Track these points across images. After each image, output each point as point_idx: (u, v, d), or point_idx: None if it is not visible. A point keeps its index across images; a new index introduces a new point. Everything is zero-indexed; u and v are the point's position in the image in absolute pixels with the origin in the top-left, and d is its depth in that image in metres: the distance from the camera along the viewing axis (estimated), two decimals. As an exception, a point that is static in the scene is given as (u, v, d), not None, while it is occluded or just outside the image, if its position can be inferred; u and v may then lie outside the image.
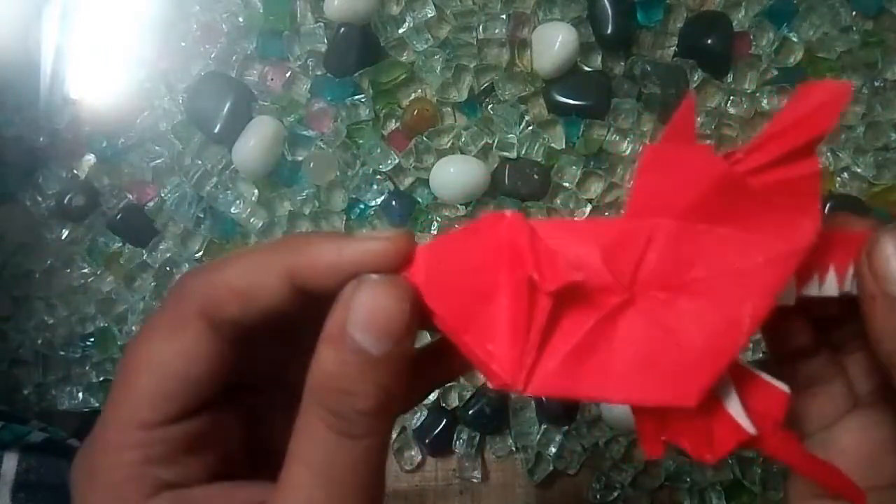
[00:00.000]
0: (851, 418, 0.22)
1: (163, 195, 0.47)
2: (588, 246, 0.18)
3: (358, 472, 0.19)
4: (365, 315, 0.18)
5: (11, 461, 0.38)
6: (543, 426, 0.45)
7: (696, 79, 0.47)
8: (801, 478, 0.22)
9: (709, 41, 0.47)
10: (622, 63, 0.48)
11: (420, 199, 0.46)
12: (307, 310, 0.20)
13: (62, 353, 0.47)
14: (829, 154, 0.47)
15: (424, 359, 0.24)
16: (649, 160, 0.18)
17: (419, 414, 0.45)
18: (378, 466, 0.19)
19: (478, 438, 0.45)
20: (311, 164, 0.46)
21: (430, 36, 0.47)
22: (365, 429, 0.18)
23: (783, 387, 0.19)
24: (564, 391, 0.18)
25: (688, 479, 0.45)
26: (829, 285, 0.19)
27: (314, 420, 0.18)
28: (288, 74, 0.47)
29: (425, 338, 0.30)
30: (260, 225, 0.46)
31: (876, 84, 0.47)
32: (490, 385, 0.19)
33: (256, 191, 0.47)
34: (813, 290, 0.19)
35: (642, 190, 0.18)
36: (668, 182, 0.18)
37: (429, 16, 0.47)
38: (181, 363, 0.20)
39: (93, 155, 0.48)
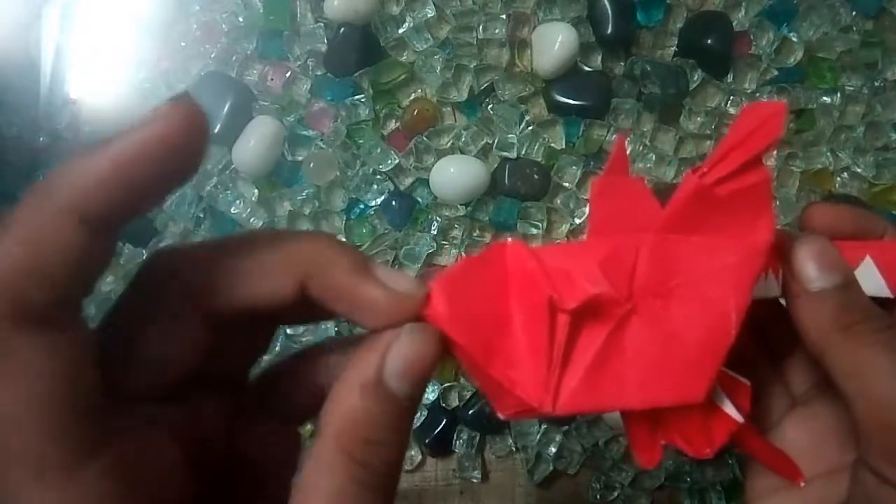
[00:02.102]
0: (793, 415, 0.25)
1: (163, 195, 0.47)
2: (586, 264, 0.20)
3: None
4: (404, 364, 0.18)
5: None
6: (543, 426, 0.45)
7: (696, 79, 0.47)
8: (759, 476, 0.25)
9: (709, 41, 0.47)
10: (622, 63, 0.47)
11: (420, 199, 0.46)
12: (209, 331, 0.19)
13: (62, 353, 0.47)
14: (829, 154, 0.47)
15: None
16: (598, 191, 0.21)
17: (419, 414, 0.45)
18: None
19: (478, 438, 0.45)
20: (311, 164, 0.46)
21: (430, 36, 0.47)
22: (390, 480, 0.18)
23: (744, 380, 0.22)
24: (589, 406, 0.20)
25: (688, 479, 0.45)
26: (771, 286, 0.22)
27: (335, 471, 0.17)
28: (288, 74, 0.47)
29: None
30: (260, 225, 0.46)
31: (876, 84, 0.47)
32: (501, 415, 0.20)
33: (256, 191, 0.47)
34: (759, 292, 0.21)
35: (598, 213, 0.21)
36: (616, 205, 0.21)
37: (429, 16, 0.47)
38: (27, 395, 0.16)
39: (93, 155, 0.48)
